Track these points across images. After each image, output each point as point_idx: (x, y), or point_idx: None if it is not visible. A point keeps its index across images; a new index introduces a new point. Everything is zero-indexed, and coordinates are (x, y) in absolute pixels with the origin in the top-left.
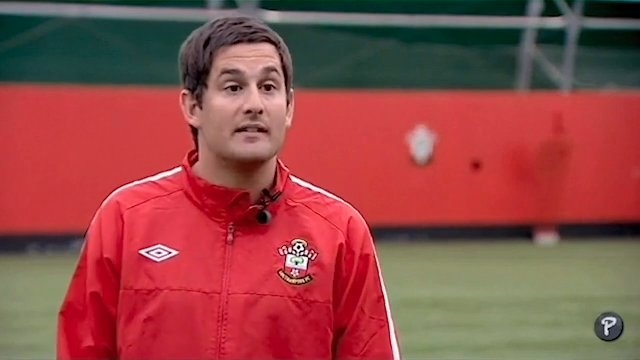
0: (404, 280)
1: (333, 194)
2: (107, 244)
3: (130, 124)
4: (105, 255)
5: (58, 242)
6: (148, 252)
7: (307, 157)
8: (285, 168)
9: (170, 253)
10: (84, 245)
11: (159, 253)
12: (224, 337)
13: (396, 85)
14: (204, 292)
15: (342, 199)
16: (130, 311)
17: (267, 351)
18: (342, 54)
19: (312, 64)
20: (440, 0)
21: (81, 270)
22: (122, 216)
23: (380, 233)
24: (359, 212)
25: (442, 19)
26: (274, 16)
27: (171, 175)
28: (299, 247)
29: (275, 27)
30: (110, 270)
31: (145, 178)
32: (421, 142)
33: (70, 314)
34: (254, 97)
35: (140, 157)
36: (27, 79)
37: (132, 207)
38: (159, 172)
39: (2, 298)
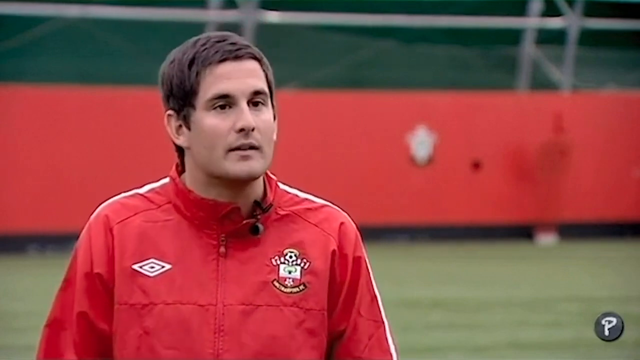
0: (404, 280)
1: (321, 198)
2: (97, 258)
3: (130, 124)
4: (96, 270)
5: (58, 242)
6: (141, 267)
7: (307, 157)
8: (272, 176)
9: (163, 267)
10: (71, 258)
11: (152, 267)
12: (222, 349)
13: (396, 85)
14: (199, 305)
15: (340, 199)
16: (125, 326)
17: None
18: (342, 54)
19: (312, 64)
20: (440, 0)
21: (68, 283)
22: (111, 230)
23: (380, 233)
24: (356, 210)
25: (442, 19)
26: (274, 16)
27: (158, 187)
28: (291, 257)
29: (275, 27)
30: (100, 285)
31: (133, 189)
32: (421, 142)
33: (54, 328)
34: (245, 116)
35: (140, 157)
36: (27, 79)
37: (121, 220)
38: (159, 179)
39: (2, 298)
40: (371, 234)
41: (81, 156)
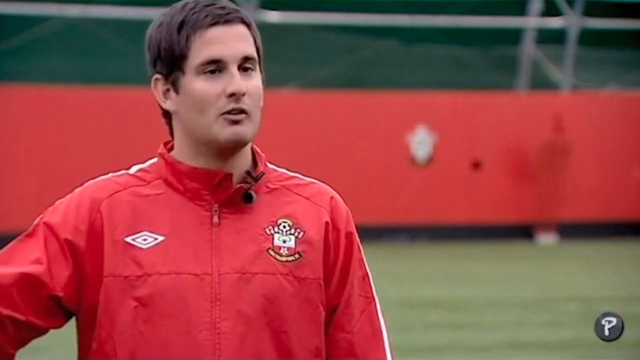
0: (404, 280)
1: (309, 177)
2: (72, 225)
3: (131, 123)
4: (65, 236)
5: None
6: (134, 240)
7: (307, 156)
8: (261, 153)
9: (156, 239)
10: (42, 216)
11: (145, 240)
12: (219, 317)
13: (396, 85)
14: (194, 274)
15: (340, 195)
16: (118, 298)
17: (262, 329)
18: (342, 54)
19: (312, 64)
20: (440, 0)
21: (31, 236)
22: (99, 207)
23: (380, 233)
24: (356, 210)
25: (442, 19)
26: (274, 16)
27: (146, 166)
28: (284, 227)
29: (275, 27)
30: (67, 250)
31: (120, 170)
32: (421, 142)
33: None
34: (236, 81)
35: (140, 156)
36: (28, 79)
37: (110, 195)
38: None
39: None
40: (371, 234)
41: (81, 155)
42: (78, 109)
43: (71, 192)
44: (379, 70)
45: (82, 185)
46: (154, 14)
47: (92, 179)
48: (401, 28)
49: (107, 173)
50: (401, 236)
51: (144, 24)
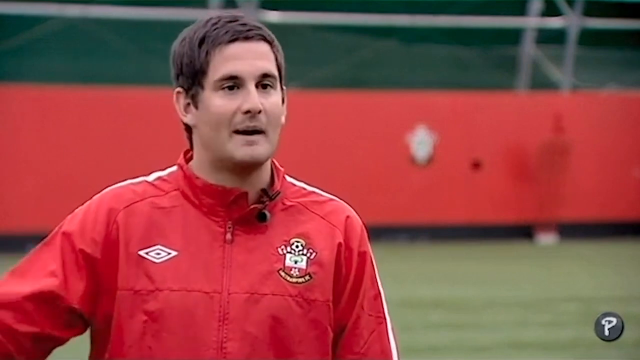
0: (404, 280)
1: (328, 192)
2: (88, 236)
3: (131, 123)
4: (81, 246)
5: None
6: (147, 253)
7: (307, 157)
8: (280, 167)
9: (169, 254)
10: (61, 226)
11: (158, 254)
12: (226, 337)
13: (396, 85)
14: (204, 292)
15: (341, 198)
16: (129, 312)
17: (269, 350)
18: (342, 54)
19: (312, 64)
20: (440, 0)
21: (49, 246)
22: (115, 217)
23: (380, 233)
24: (355, 210)
25: (442, 19)
26: (274, 16)
27: (165, 175)
28: (297, 246)
29: (275, 27)
30: (83, 261)
31: (139, 177)
32: (421, 142)
33: (15, 276)
34: (252, 97)
35: (140, 156)
36: (28, 79)
37: (127, 206)
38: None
39: None
40: (371, 234)
41: (81, 156)
42: (78, 109)
43: (70, 192)
44: (379, 70)
45: (100, 191)
46: (154, 14)
47: (91, 179)
48: (401, 28)
49: (107, 173)
50: (401, 236)
51: (144, 24)
